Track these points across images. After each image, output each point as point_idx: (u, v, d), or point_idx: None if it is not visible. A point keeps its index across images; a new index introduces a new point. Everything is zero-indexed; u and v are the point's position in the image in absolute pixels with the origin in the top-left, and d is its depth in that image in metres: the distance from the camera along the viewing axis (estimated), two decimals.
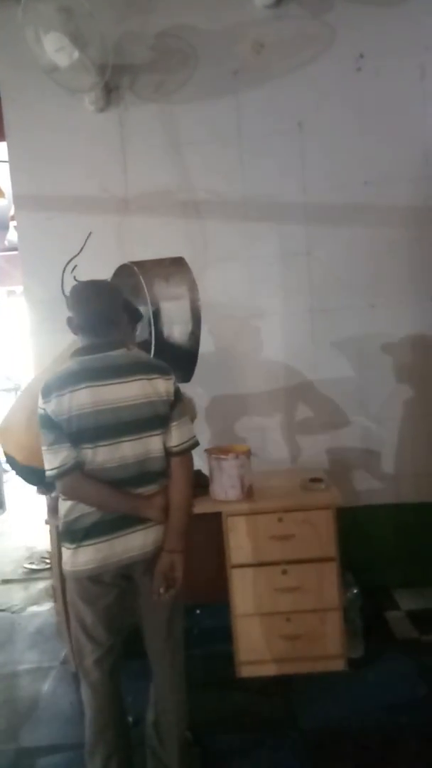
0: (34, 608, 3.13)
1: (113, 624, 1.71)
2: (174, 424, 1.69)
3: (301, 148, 2.75)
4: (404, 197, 2.76)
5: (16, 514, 4.92)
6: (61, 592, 2.40)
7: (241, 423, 2.89)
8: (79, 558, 1.63)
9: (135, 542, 1.66)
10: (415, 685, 2.21)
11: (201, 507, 2.37)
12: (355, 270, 2.80)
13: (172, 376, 1.71)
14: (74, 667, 1.84)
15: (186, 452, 1.71)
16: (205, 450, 2.44)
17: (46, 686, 2.41)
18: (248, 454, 2.37)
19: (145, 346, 2.90)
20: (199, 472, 2.58)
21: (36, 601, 3.21)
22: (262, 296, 2.84)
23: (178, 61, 2.73)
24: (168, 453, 1.69)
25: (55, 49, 2.34)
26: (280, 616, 2.29)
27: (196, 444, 1.74)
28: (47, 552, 3.70)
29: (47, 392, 1.59)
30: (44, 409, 1.59)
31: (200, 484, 2.50)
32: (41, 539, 4.13)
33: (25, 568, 3.67)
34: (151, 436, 1.66)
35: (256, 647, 2.31)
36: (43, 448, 1.61)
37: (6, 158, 4.43)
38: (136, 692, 2.30)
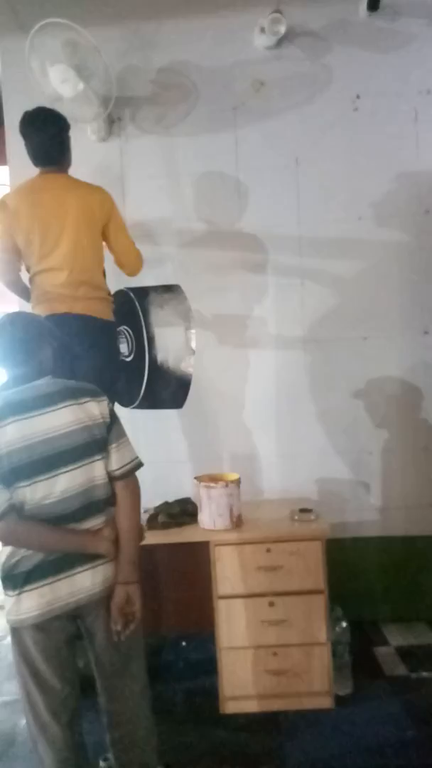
0: None
1: (66, 672, 1.59)
2: (113, 446, 1.62)
3: (297, 183, 2.82)
4: (396, 233, 2.82)
5: None
6: None
7: (231, 451, 2.89)
8: (23, 605, 1.51)
9: (82, 583, 1.56)
10: (404, 725, 2.16)
11: (189, 536, 2.36)
12: (347, 302, 2.85)
13: (104, 398, 1.65)
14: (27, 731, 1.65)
15: (129, 475, 1.64)
16: (195, 478, 2.43)
17: (24, 720, 2.32)
18: (238, 482, 2.36)
19: (139, 372, 2.92)
20: (188, 500, 2.58)
21: None
22: (255, 326, 2.87)
23: (179, 95, 2.81)
24: (111, 478, 1.62)
25: (61, 80, 2.40)
26: (267, 650, 2.24)
27: (139, 465, 1.67)
28: None
29: None
30: None
31: (189, 512, 2.49)
32: None
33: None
34: (92, 462, 1.58)
35: (241, 682, 2.26)
36: None
37: (7, 182, 4.51)
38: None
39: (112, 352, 2.46)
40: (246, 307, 2.87)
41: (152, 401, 2.94)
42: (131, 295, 2.91)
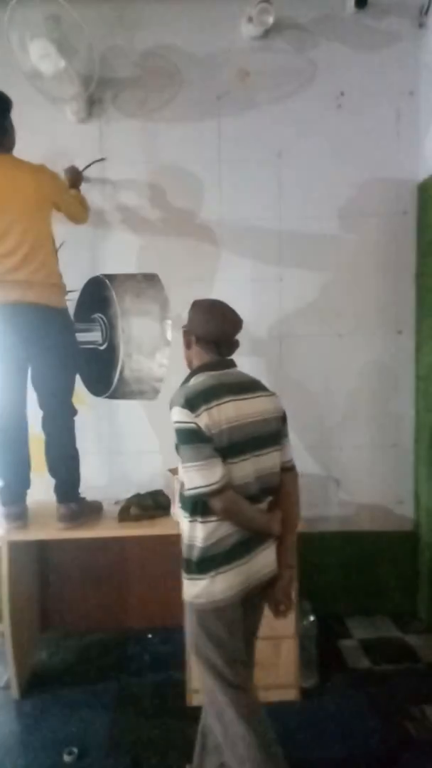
0: None
1: (243, 644, 1.65)
2: (286, 439, 1.73)
3: (278, 177, 2.81)
4: (375, 231, 2.85)
5: None
6: (8, 610, 2.30)
7: None
8: (217, 586, 1.54)
9: (264, 563, 1.64)
10: (367, 717, 2.20)
11: (161, 529, 2.34)
12: (324, 299, 2.86)
13: (277, 395, 1.74)
14: (210, 714, 1.63)
15: (295, 468, 1.77)
16: (169, 470, 2.41)
17: None
18: None
19: (112, 361, 2.87)
20: (160, 492, 2.55)
21: None
22: None
23: (162, 80, 2.75)
24: (283, 468, 1.71)
25: (40, 56, 2.31)
26: None
27: None
28: None
29: (193, 405, 1.53)
30: (194, 422, 1.52)
31: (161, 505, 2.46)
32: None
33: None
34: (276, 450, 1.68)
35: None
36: (195, 464, 1.52)
37: None
38: (79, 721, 2.21)
39: (67, 339, 2.39)
40: (222, 298, 2.83)
41: (124, 392, 2.90)
42: (107, 282, 2.85)
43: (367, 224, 2.84)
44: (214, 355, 1.68)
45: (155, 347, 2.88)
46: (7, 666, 2.38)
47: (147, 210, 2.81)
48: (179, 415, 1.54)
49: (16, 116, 2.29)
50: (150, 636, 2.80)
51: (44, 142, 2.68)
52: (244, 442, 1.58)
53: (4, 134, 2.25)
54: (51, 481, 2.37)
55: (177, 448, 1.61)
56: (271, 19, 2.53)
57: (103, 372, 2.89)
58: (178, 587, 2.41)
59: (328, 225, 2.84)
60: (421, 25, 2.75)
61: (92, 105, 2.73)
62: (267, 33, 2.67)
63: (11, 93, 2.24)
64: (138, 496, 2.51)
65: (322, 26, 2.73)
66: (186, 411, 1.53)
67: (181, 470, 1.60)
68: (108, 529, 2.35)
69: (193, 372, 1.68)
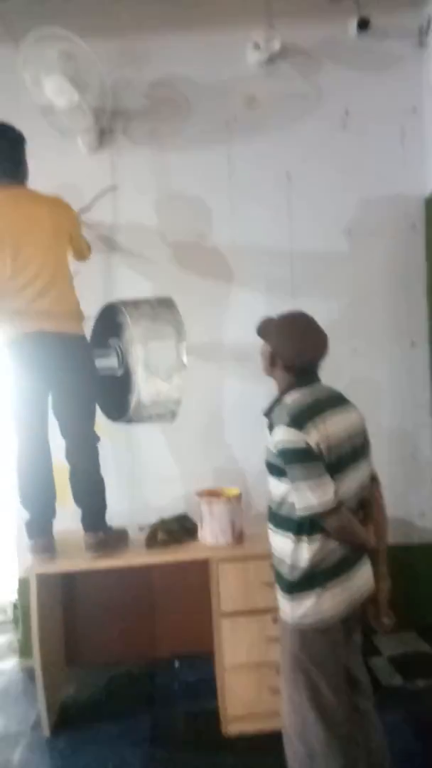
0: None
1: (344, 673, 1.61)
2: (370, 449, 1.71)
3: (288, 199, 2.84)
4: (384, 247, 2.88)
5: None
6: (38, 645, 2.26)
7: (220, 467, 2.84)
8: (325, 604, 1.52)
9: (365, 575, 1.62)
10: (404, 735, 2.16)
11: (191, 553, 2.32)
12: (337, 315, 2.87)
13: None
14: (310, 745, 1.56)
15: (378, 477, 1.75)
16: (196, 493, 2.39)
17: (17, 756, 2.21)
18: (239, 498, 2.33)
19: (128, 386, 2.86)
20: (185, 517, 2.53)
21: None
22: (248, 339, 2.85)
23: (171, 109, 2.80)
24: (372, 480, 1.70)
25: (55, 91, 2.36)
26: (269, 667, 2.20)
27: None
28: (12, 603, 3.48)
29: (300, 423, 1.50)
30: (304, 441, 1.49)
31: (188, 529, 2.45)
32: None
33: None
34: (366, 462, 1.66)
35: (244, 701, 2.22)
36: (306, 483, 1.49)
37: None
38: (114, 757, 2.16)
39: (88, 367, 2.42)
40: (237, 321, 2.86)
41: (142, 416, 2.89)
42: (122, 308, 2.86)
43: (377, 240, 2.88)
44: (306, 371, 1.66)
45: (172, 370, 2.88)
46: (37, 703, 2.33)
47: (159, 235, 2.83)
48: (286, 435, 1.51)
49: (28, 148, 2.32)
50: (177, 664, 2.75)
51: (56, 173, 2.70)
52: (347, 456, 1.56)
53: (18, 166, 2.28)
54: (74, 510, 2.35)
55: (270, 467, 1.60)
56: (278, 45, 2.60)
57: (119, 397, 2.89)
58: (203, 611, 2.41)
59: (339, 243, 2.87)
60: (422, 45, 2.82)
61: (103, 135, 2.78)
62: (272, 59, 2.72)
63: (21, 126, 2.28)
64: (163, 521, 2.49)
65: (326, 50, 2.80)
66: (293, 430, 1.50)
67: (272, 484, 1.60)
68: (137, 557, 2.32)
69: (285, 389, 1.65)
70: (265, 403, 2.79)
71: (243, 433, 2.87)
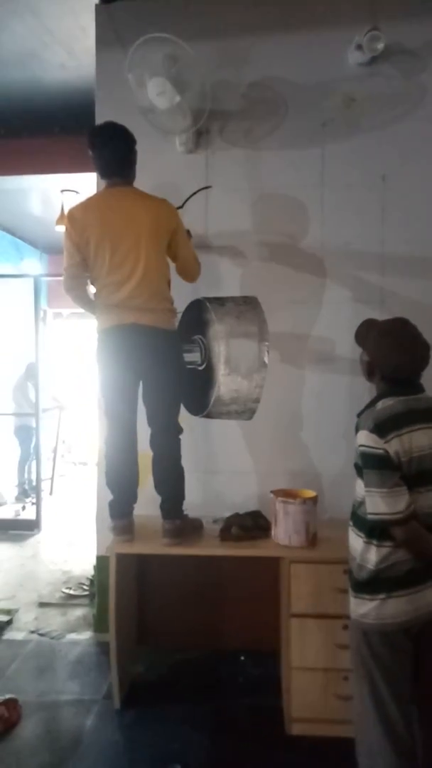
0: (73, 636, 3.08)
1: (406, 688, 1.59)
2: None
3: (382, 201, 2.79)
4: None
5: (51, 535, 4.92)
6: (113, 621, 2.37)
7: (295, 468, 2.85)
8: (388, 609, 1.55)
9: None
10: None
11: (263, 550, 2.35)
12: (427, 320, 2.78)
13: None
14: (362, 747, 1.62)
15: None
16: (271, 492, 2.41)
17: (89, 722, 2.34)
18: (315, 500, 2.33)
19: (209, 381, 2.92)
20: (259, 514, 2.56)
21: (74, 629, 3.16)
22: (333, 342, 2.84)
23: (268, 109, 2.82)
24: None
25: (158, 93, 2.44)
26: (337, 674, 2.20)
27: None
28: (87, 578, 3.67)
29: (383, 431, 1.52)
30: (384, 449, 1.51)
31: (261, 526, 2.47)
32: (77, 563, 4.12)
33: (63, 593, 3.63)
34: None
35: (310, 704, 2.23)
36: (379, 490, 1.51)
37: (81, 190, 4.62)
38: (179, 739, 2.23)
39: (177, 361, 2.50)
40: (323, 324, 2.85)
41: (221, 412, 2.94)
42: (207, 304, 2.91)
43: None
44: (401, 380, 1.63)
45: (252, 368, 2.90)
46: (109, 675, 2.45)
47: (250, 235, 2.87)
48: (366, 440, 1.54)
49: None
50: (242, 658, 2.79)
51: (154, 173, 2.81)
52: (431, 471, 1.55)
53: (130, 167, 2.38)
54: (152, 497, 2.44)
55: (357, 468, 1.61)
56: (381, 46, 2.55)
57: (200, 392, 2.95)
58: (270, 609, 2.42)
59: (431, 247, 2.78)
60: None
61: (199, 136, 2.85)
62: (374, 59, 2.68)
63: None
64: (237, 516, 2.53)
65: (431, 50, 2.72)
66: (374, 436, 1.52)
67: (357, 484, 1.61)
68: (210, 548, 2.38)
69: (381, 395, 1.65)
70: (344, 407, 2.80)
71: (321, 437, 2.86)
